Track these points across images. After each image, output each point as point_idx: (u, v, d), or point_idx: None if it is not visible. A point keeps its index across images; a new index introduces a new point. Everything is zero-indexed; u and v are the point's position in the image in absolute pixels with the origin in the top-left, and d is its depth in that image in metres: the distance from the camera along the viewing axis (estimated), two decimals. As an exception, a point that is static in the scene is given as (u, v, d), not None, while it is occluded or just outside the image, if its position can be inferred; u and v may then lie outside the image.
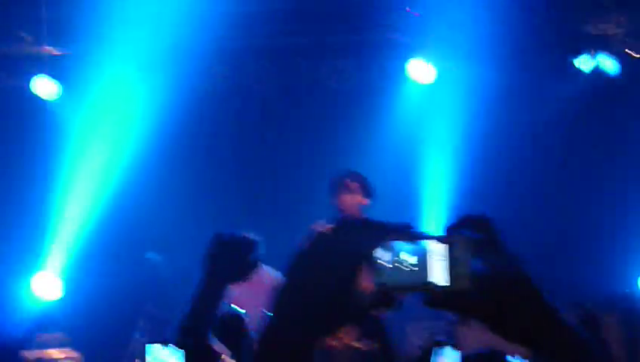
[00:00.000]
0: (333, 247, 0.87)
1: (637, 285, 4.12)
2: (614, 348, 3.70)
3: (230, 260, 1.85)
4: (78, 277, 4.41)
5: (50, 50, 4.31)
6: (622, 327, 3.81)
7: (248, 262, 1.89)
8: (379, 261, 0.79)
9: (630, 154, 4.23)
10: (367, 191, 3.64)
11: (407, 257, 0.79)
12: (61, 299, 4.37)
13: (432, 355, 2.19)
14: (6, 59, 4.34)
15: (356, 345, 3.54)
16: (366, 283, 0.81)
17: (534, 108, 4.26)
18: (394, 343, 3.78)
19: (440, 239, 0.79)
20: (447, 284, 0.76)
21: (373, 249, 0.79)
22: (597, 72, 4.33)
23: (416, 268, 0.78)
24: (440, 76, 4.38)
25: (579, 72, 4.36)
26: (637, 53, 4.26)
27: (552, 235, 4.13)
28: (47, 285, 4.35)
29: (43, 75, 4.27)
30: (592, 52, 4.30)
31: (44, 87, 4.35)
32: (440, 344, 2.31)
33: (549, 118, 4.24)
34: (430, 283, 0.77)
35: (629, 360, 3.71)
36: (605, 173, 4.26)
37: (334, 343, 3.15)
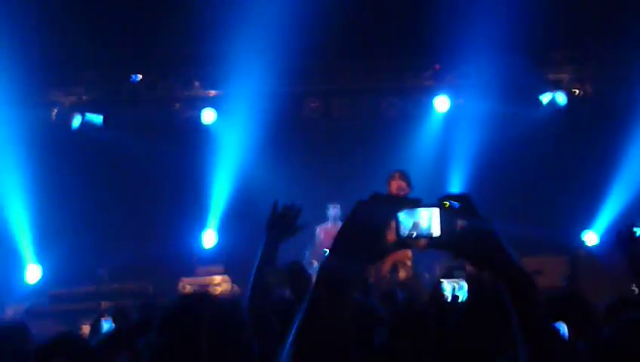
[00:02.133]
0: (374, 209, 1.07)
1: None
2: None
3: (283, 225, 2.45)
4: (225, 233, 7.04)
5: (211, 92, 7.10)
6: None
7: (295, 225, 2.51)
8: (400, 219, 1.06)
9: (576, 154, 6.72)
10: (408, 182, 5.60)
11: (417, 218, 1.07)
12: (216, 245, 7.03)
13: (446, 278, 2.60)
14: (185, 99, 7.11)
15: (387, 275, 5.59)
16: (391, 235, 1.06)
17: (514, 127, 6.73)
18: (422, 274, 6.06)
19: (435, 206, 1.07)
20: (439, 235, 1.05)
21: (398, 212, 1.06)
22: (553, 103, 6.86)
23: (423, 225, 1.06)
24: (453, 107, 7.02)
25: (542, 103, 6.89)
26: (578, 92, 6.83)
27: (516, 207, 6.46)
28: (208, 237, 7.00)
29: (209, 108, 6.97)
30: (552, 91, 6.87)
31: (208, 116, 7.02)
32: (451, 269, 3.08)
33: (524, 133, 6.72)
34: (430, 234, 1.06)
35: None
36: (559, 164, 6.75)
37: (371, 278, 4.59)
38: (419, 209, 1.08)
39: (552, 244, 6.28)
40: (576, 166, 6.77)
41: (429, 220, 1.07)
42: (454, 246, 1.11)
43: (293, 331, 1.03)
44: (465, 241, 1.10)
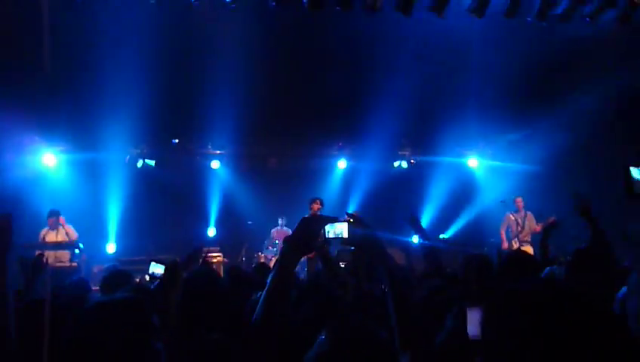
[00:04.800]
0: (312, 223, 1.64)
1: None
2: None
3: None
4: (219, 229, 11.63)
5: (217, 151, 11.93)
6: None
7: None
8: (326, 228, 1.61)
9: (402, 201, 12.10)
10: (322, 204, 8.48)
11: (335, 228, 1.64)
12: (215, 235, 11.57)
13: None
14: (202, 154, 11.95)
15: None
16: (320, 237, 1.61)
17: (379, 178, 11.71)
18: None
19: (345, 221, 1.63)
20: (346, 237, 1.63)
21: (325, 225, 1.64)
22: (400, 166, 12.10)
23: (338, 232, 1.65)
24: (348, 166, 12.24)
25: (394, 166, 12.13)
26: (414, 161, 12.13)
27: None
28: (210, 231, 11.61)
29: (215, 159, 11.83)
30: (399, 159, 12.25)
31: (215, 164, 11.68)
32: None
33: (384, 182, 11.83)
34: (342, 237, 1.65)
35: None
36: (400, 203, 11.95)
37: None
38: (336, 223, 1.68)
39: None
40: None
41: (341, 229, 1.69)
42: (354, 244, 1.76)
43: (265, 290, 1.57)
44: (361, 241, 1.73)
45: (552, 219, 6.73)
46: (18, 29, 6.66)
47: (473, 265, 3.11)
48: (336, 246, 4.48)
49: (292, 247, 1.61)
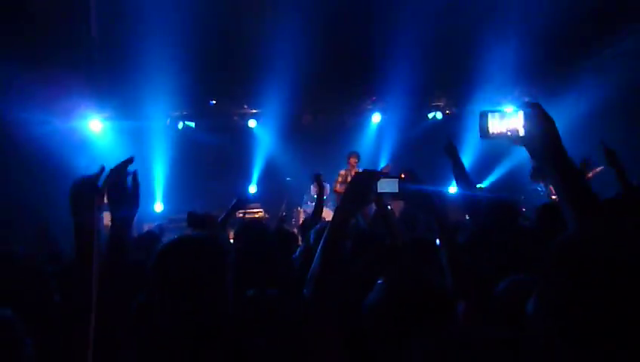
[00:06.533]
0: (366, 177, 1.65)
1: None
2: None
3: None
4: (260, 187, 12.15)
5: (254, 110, 12.20)
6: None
7: None
8: (378, 184, 1.59)
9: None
10: (359, 157, 9.08)
11: (387, 183, 1.65)
12: (256, 193, 12.01)
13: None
14: (239, 114, 12.31)
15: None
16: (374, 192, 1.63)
17: (413, 130, 11.95)
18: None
19: (396, 177, 1.70)
20: (398, 192, 1.66)
21: (377, 180, 1.64)
22: (434, 118, 11.95)
23: (390, 188, 1.65)
24: (382, 120, 12.46)
25: (428, 118, 12.06)
26: (450, 112, 12.12)
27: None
28: (252, 188, 11.98)
29: (252, 119, 12.14)
30: (434, 111, 12.14)
31: (252, 123, 11.95)
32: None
33: (420, 133, 11.92)
34: (394, 191, 1.68)
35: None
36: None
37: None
38: (388, 178, 1.70)
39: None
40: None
41: (392, 185, 1.70)
42: (407, 199, 1.82)
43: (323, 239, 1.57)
44: (411, 196, 1.75)
45: (600, 168, 6.68)
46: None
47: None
48: (387, 200, 4.64)
49: (348, 200, 1.65)
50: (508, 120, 1.39)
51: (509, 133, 1.39)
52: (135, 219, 1.83)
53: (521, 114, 1.37)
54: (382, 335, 1.43)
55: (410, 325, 1.39)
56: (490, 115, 1.40)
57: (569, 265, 0.87)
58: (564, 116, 8.43)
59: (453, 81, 11.37)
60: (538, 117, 1.34)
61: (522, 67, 10.14)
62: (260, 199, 11.49)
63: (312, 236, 3.17)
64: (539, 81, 10.87)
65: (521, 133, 1.37)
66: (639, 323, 0.78)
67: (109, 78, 9.35)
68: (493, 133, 1.40)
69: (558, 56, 9.74)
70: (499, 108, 1.40)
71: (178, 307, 1.55)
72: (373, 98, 11.88)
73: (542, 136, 1.33)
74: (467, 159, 11.24)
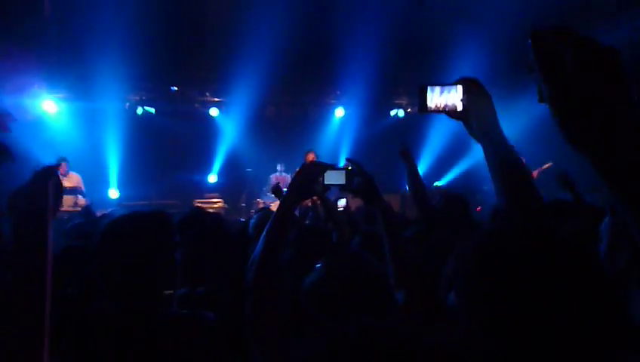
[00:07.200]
0: (312, 169, 1.72)
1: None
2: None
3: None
4: (220, 176, 12.04)
5: (216, 99, 11.84)
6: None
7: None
8: (325, 175, 1.65)
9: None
10: (316, 155, 8.90)
11: (334, 175, 1.69)
12: (216, 182, 12.00)
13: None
14: (201, 102, 12.11)
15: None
16: (320, 183, 1.68)
17: (373, 127, 12.09)
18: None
19: (343, 169, 1.71)
20: (344, 184, 1.72)
21: (325, 172, 1.68)
22: (396, 115, 12.13)
23: (337, 179, 1.68)
24: (345, 114, 12.46)
25: (390, 115, 12.17)
26: (412, 110, 12.32)
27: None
28: (211, 178, 11.86)
29: (214, 107, 11.98)
30: (396, 108, 12.29)
31: (213, 112, 11.84)
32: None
33: (379, 131, 12.03)
34: (341, 183, 1.72)
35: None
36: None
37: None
38: (335, 171, 1.73)
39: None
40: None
41: (339, 176, 1.73)
42: (352, 190, 1.81)
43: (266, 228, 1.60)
44: (358, 187, 1.80)
45: (548, 164, 6.85)
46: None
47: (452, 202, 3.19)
48: (334, 192, 4.59)
49: (293, 191, 1.67)
50: (447, 95, 1.39)
51: (446, 108, 1.37)
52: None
53: (460, 89, 1.37)
54: (318, 316, 1.42)
55: (347, 306, 1.38)
56: (429, 88, 1.40)
57: (482, 258, 0.91)
58: (528, 117, 8.60)
59: (415, 80, 11.10)
60: (476, 92, 1.34)
61: (487, 68, 10.28)
62: (219, 189, 11.59)
63: (250, 224, 3.25)
64: (504, 81, 11.05)
65: (459, 108, 1.36)
66: (542, 314, 0.84)
67: (64, 55, 9.01)
68: (431, 108, 1.39)
69: (521, 58, 9.85)
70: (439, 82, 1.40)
71: (119, 287, 1.55)
72: (337, 92, 11.91)
73: (479, 111, 1.33)
74: (427, 159, 11.48)
